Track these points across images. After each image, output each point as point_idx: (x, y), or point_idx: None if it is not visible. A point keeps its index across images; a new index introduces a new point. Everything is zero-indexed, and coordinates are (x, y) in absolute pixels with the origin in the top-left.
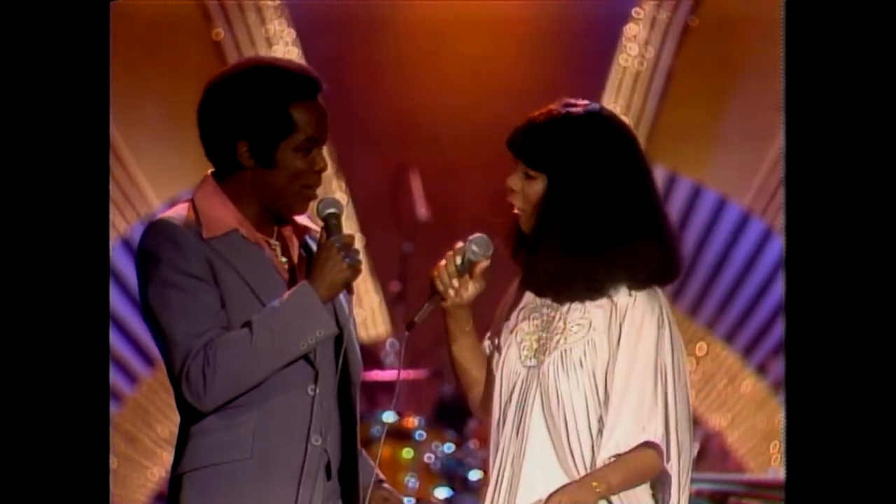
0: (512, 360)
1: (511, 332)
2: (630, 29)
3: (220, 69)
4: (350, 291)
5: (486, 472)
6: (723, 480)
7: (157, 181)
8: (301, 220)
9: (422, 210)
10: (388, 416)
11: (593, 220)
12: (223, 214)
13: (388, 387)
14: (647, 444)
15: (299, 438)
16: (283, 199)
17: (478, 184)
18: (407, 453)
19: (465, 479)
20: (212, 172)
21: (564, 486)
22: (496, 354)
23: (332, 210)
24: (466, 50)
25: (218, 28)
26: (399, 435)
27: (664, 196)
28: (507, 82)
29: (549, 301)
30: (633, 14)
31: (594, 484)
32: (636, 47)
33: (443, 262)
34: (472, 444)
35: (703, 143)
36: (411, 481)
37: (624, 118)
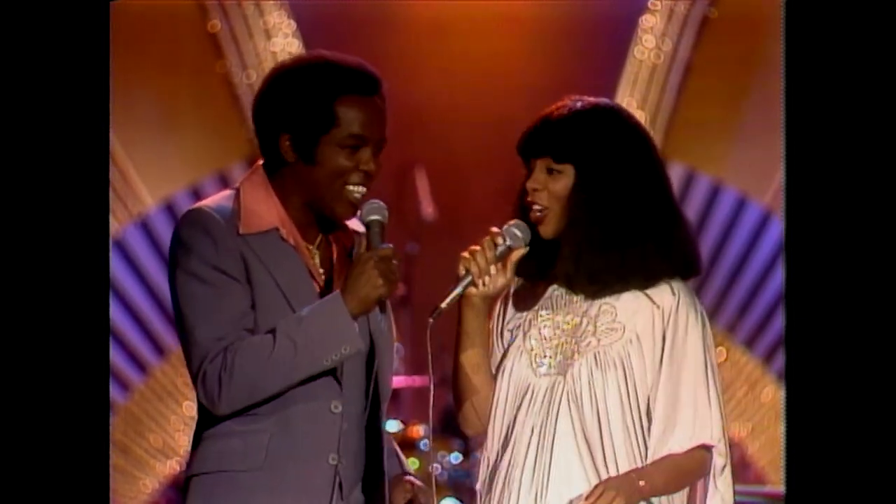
0: (521, 370)
1: (518, 341)
2: (646, 20)
3: (215, 62)
4: (383, 309)
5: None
6: (743, 492)
7: (150, 179)
8: (353, 225)
9: (428, 210)
10: (392, 426)
11: (628, 209)
12: (265, 211)
13: (393, 393)
14: (702, 447)
15: (315, 455)
16: (324, 198)
17: (486, 183)
18: (412, 464)
19: (473, 491)
20: (263, 164)
21: (608, 479)
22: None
23: (375, 217)
24: (473, 43)
25: (214, 20)
26: (404, 445)
27: (682, 194)
28: (516, 77)
29: (565, 307)
30: (650, 5)
31: (641, 482)
32: (653, 39)
33: (477, 247)
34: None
35: (722, 140)
36: None
37: (640, 113)
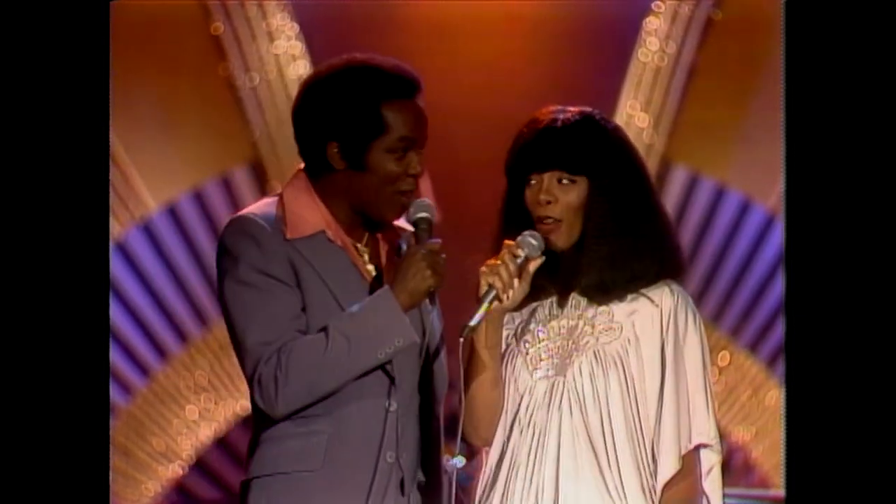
0: (518, 374)
1: (512, 346)
2: (650, 22)
3: (218, 65)
4: (432, 301)
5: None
6: (747, 496)
7: (152, 181)
8: (397, 222)
9: None
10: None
11: (642, 215)
12: (311, 214)
13: None
14: (696, 447)
15: (373, 454)
16: (374, 203)
17: (490, 185)
18: None
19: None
20: (304, 169)
21: None
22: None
23: (423, 215)
24: (476, 44)
25: (217, 22)
26: None
27: (686, 197)
28: (519, 79)
29: (559, 311)
30: (653, 7)
31: None
32: (656, 42)
33: (496, 261)
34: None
35: (726, 142)
36: None
37: (643, 115)
